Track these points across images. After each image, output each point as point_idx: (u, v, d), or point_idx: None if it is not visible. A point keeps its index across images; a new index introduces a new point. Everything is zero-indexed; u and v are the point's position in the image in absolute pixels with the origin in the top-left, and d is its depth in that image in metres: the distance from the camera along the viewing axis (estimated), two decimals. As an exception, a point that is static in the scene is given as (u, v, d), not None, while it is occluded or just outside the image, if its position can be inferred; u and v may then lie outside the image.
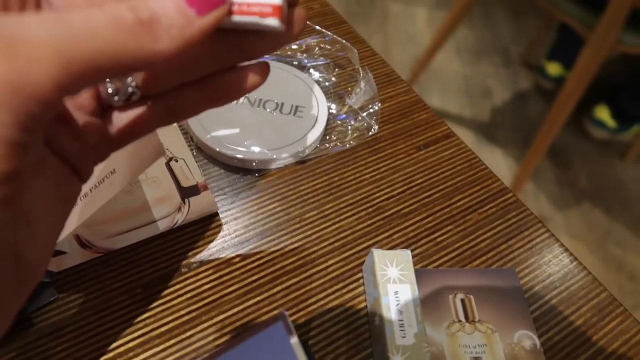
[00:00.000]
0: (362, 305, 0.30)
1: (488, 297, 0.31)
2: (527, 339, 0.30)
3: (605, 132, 1.57)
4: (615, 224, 1.45)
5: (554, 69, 1.65)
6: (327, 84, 0.39)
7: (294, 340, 0.25)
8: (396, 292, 0.28)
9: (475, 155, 0.38)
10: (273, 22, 0.13)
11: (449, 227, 0.34)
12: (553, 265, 0.34)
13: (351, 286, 0.31)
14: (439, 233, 0.34)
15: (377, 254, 0.29)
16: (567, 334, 0.31)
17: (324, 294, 0.30)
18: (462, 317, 0.30)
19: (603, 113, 1.56)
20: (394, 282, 0.29)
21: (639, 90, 1.46)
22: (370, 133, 0.37)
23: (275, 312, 0.28)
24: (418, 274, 0.31)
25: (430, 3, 2.01)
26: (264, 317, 0.28)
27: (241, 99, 0.36)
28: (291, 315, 0.29)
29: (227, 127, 0.35)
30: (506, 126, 1.64)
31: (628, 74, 1.49)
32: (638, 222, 1.46)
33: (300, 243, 0.32)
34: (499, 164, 1.53)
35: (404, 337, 0.27)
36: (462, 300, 0.31)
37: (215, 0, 0.13)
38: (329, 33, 0.41)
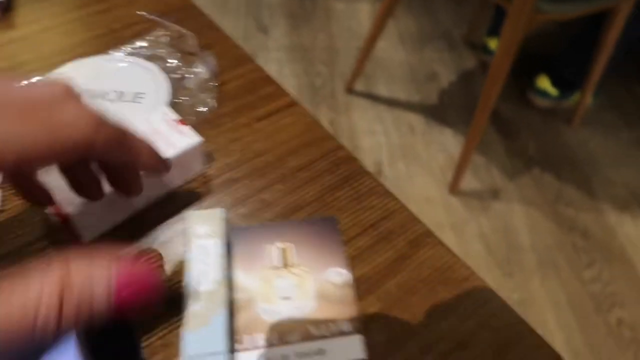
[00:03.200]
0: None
1: (306, 244, 0.34)
2: (337, 275, 0.33)
3: (549, 100, 1.61)
4: (566, 186, 1.49)
5: (494, 44, 1.69)
6: (168, 67, 0.42)
7: None
8: (202, 246, 0.30)
9: (314, 120, 0.42)
10: None
11: (277, 186, 0.37)
12: (375, 208, 0.37)
13: (175, 251, 0.33)
14: (267, 192, 0.37)
15: (189, 215, 0.32)
16: (382, 267, 0.34)
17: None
18: (278, 263, 0.33)
19: (544, 82, 1.60)
20: (201, 238, 0.31)
21: (576, 57, 1.51)
22: (207, 109, 0.40)
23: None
24: (238, 231, 0.34)
25: (371, -4, 2.05)
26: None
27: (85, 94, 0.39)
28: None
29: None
30: (454, 106, 1.68)
31: (565, 42, 1.53)
32: (587, 182, 1.50)
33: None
34: (450, 143, 1.56)
35: (203, 285, 0.29)
36: (281, 249, 0.33)
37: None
38: (173, 24, 0.45)
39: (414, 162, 1.51)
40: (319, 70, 1.75)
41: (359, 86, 1.70)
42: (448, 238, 1.36)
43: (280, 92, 0.43)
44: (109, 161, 0.25)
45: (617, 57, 1.42)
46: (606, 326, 1.25)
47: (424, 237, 0.35)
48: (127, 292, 0.18)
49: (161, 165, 0.27)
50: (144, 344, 0.29)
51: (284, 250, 0.33)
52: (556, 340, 1.22)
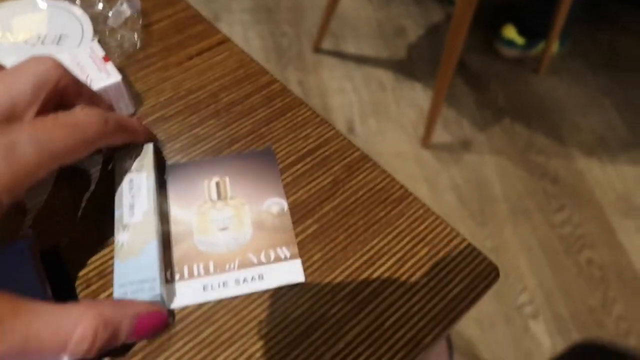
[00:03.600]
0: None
1: (243, 176, 0.33)
2: (275, 205, 0.32)
3: (515, 50, 1.61)
4: (535, 135, 1.50)
5: (459, -4, 1.67)
6: (90, 9, 0.40)
7: (35, 254, 0.27)
8: (131, 180, 0.30)
9: (248, 56, 0.40)
10: None
11: (211, 121, 0.36)
12: (311, 137, 0.36)
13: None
14: (200, 127, 0.36)
15: (118, 152, 0.31)
16: (317, 191, 0.33)
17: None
18: (214, 197, 0.32)
19: (511, 32, 1.59)
20: (130, 172, 0.30)
21: (541, 5, 1.50)
22: (133, 49, 0.39)
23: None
24: (174, 168, 0.33)
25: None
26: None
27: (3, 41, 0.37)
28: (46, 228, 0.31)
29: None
30: (423, 60, 1.67)
31: (529, -10, 1.52)
32: (556, 129, 1.52)
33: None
34: (420, 97, 1.56)
35: (132, 216, 0.28)
36: (217, 183, 0.33)
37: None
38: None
39: (385, 118, 1.50)
40: (285, 31, 1.71)
41: (327, 45, 1.67)
42: (421, 191, 1.37)
43: (211, 30, 0.42)
44: (112, 144, 0.28)
45: (581, 3, 1.42)
46: (576, 267, 1.28)
47: (360, 162, 0.35)
48: (142, 330, 0.25)
49: (151, 135, 0.32)
50: (79, 275, 0.29)
51: (218, 184, 0.33)
52: (529, 283, 1.26)
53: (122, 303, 0.24)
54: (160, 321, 0.26)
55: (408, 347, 0.27)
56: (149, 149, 0.31)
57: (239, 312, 0.28)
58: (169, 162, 0.34)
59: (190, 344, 0.27)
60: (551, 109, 1.56)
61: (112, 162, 0.32)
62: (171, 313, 0.28)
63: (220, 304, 0.28)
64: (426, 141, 1.44)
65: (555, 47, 1.54)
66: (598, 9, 1.75)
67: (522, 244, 1.31)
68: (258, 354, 0.27)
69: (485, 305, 1.23)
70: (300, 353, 0.27)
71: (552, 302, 1.23)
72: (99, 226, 0.31)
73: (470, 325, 1.19)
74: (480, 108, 1.55)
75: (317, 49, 1.63)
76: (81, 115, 0.25)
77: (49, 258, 0.29)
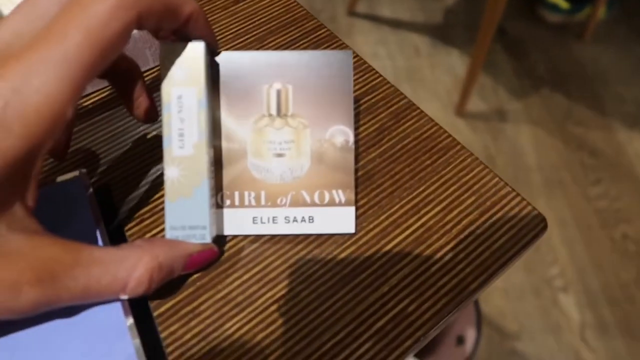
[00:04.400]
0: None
1: (310, 87, 0.28)
2: (340, 134, 0.28)
3: (559, 15, 1.54)
4: (575, 105, 1.45)
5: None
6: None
7: (89, 194, 0.27)
8: (179, 97, 0.24)
9: (294, 0, 0.40)
10: None
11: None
12: (358, 83, 0.35)
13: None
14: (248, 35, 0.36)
15: (165, 47, 0.24)
16: (363, 137, 0.33)
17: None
18: (274, 110, 0.28)
19: (555, -5, 1.52)
20: (178, 85, 0.24)
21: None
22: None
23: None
24: (227, 63, 0.27)
25: None
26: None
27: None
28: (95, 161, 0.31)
29: None
30: (460, 25, 1.62)
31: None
32: (597, 100, 1.46)
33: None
34: (456, 64, 1.52)
35: (181, 147, 0.25)
36: (278, 91, 0.28)
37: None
38: None
39: (419, 85, 1.47)
40: (319, -7, 1.68)
41: (361, 8, 1.63)
42: (453, 159, 1.35)
43: (258, -26, 0.41)
44: (191, 33, 0.24)
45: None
46: (611, 241, 1.25)
47: (407, 109, 0.34)
48: (194, 266, 0.26)
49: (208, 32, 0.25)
50: (130, 211, 0.29)
51: (280, 93, 0.27)
52: (560, 256, 1.24)
53: (175, 244, 0.25)
54: (211, 257, 0.27)
55: (453, 293, 0.27)
56: (200, 50, 0.24)
57: (287, 252, 0.28)
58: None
59: (239, 281, 0.27)
60: (594, 78, 1.50)
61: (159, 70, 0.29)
62: (221, 240, 0.28)
63: (269, 241, 0.29)
64: (461, 109, 1.41)
65: (601, 12, 1.47)
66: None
67: (555, 215, 1.28)
68: (303, 293, 0.27)
69: (514, 275, 1.22)
70: (345, 294, 0.27)
71: (584, 276, 1.21)
72: (150, 158, 0.31)
73: (498, 295, 1.18)
74: (519, 76, 1.50)
75: (351, 12, 1.60)
76: None
77: (100, 196, 0.30)
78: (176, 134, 0.25)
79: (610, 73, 1.52)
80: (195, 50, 0.24)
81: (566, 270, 1.23)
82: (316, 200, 0.29)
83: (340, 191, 0.29)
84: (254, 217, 0.28)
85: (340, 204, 0.29)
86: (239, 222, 0.28)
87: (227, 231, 0.28)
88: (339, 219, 0.29)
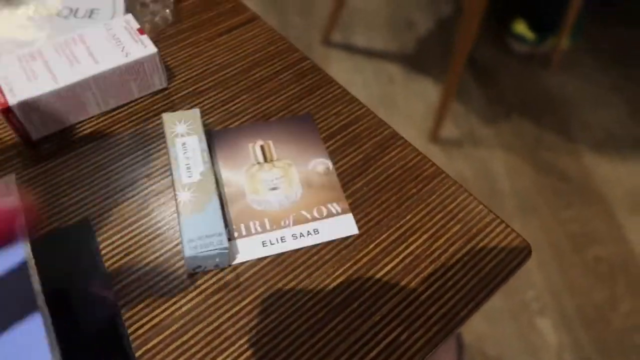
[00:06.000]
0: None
1: (286, 139, 0.34)
2: (321, 164, 0.33)
3: (526, 45, 1.61)
4: (544, 131, 1.50)
5: (471, -9, 1.66)
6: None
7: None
8: (184, 144, 0.31)
9: (277, 33, 0.40)
10: None
11: (243, 96, 0.36)
12: (342, 114, 0.36)
13: (154, 154, 0.33)
14: (233, 103, 0.36)
15: (166, 116, 0.32)
16: (349, 167, 0.33)
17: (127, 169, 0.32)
18: (260, 159, 0.33)
19: (521, 27, 1.59)
20: (181, 136, 0.31)
21: (551, 1, 1.49)
22: (164, 24, 0.39)
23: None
24: (215, 134, 0.34)
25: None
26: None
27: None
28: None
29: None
30: (433, 54, 1.66)
31: (541, -16, 1.51)
32: (565, 125, 1.52)
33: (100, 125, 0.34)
34: (429, 91, 1.56)
35: (190, 176, 0.29)
36: (262, 146, 0.33)
37: None
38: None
39: (394, 112, 1.50)
40: (294, 22, 1.71)
41: (336, 37, 1.67)
42: (429, 185, 1.36)
43: (241, 7, 0.42)
44: None
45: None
46: (583, 264, 1.28)
47: (391, 139, 0.35)
48: None
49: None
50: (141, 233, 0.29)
51: (263, 147, 0.33)
52: (536, 279, 1.26)
53: None
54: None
55: (443, 322, 0.28)
56: (196, 114, 0.32)
57: (276, 283, 0.28)
58: (210, 129, 0.34)
59: (229, 314, 0.27)
60: (561, 105, 1.56)
61: (162, 127, 0.33)
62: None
63: (259, 270, 0.29)
64: (435, 136, 1.44)
65: (565, 42, 1.53)
66: (610, 4, 1.74)
67: (530, 240, 1.31)
68: (295, 325, 0.27)
69: (492, 300, 1.23)
70: (337, 324, 0.27)
71: (559, 299, 1.23)
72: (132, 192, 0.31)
73: (477, 320, 1.19)
74: (490, 103, 1.55)
75: (326, 41, 1.63)
76: None
77: (81, 232, 0.29)
78: (184, 167, 0.29)
79: (576, 100, 1.58)
80: (194, 113, 0.32)
81: (542, 294, 1.25)
82: (315, 215, 0.31)
83: (334, 204, 0.31)
84: (262, 242, 0.30)
85: (338, 214, 0.31)
86: (250, 248, 0.29)
87: (241, 258, 0.29)
88: (341, 226, 0.31)
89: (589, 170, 1.43)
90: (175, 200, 0.29)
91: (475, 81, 1.60)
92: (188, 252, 0.26)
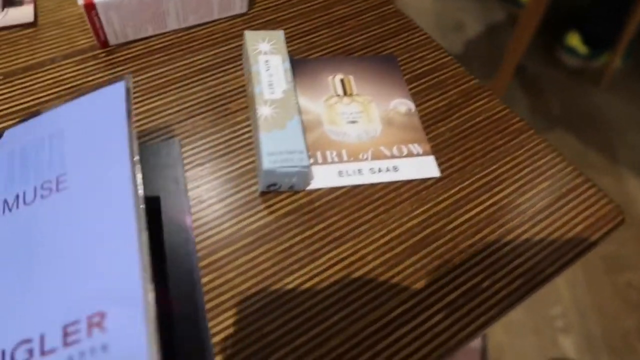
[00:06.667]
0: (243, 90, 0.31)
1: (367, 76, 0.32)
2: (402, 105, 0.31)
3: (578, 59, 1.56)
4: (587, 148, 1.45)
5: (526, -3, 1.63)
6: None
7: (127, 107, 0.24)
8: (267, 61, 0.29)
9: (363, -24, 0.39)
10: None
11: (324, 31, 0.35)
12: (426, 60, 0.34)
13: (231, 75, 0.31)
14: (313, 34, 0.34)
15: (249, 34, 0.30)
16: (432, 111, 0.31)
17: (203, 86, 0.31)
18: (340, 92, 0.31)
19: (574, 40, 1.55)
20: (264, 54, 0.29)
21: (608, 15, 1.45)
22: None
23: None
24: (295, 62, 0.32)
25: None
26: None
27: None
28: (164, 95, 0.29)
29: None
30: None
31: (599, -1, 1.47)
32: (609, 146, 1.47)
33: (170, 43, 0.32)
34: (472, 96, 1.52)
35: (272, 92, 0.28)
36: (342, 80, 0.32)
37: None
38: None
39: (434, 111, 1.47)
40: (343, 12, 1.69)
41: (383, 31, 1.65)
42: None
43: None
44: None
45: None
46: (614, 287, 1.24)
47: (477, 89, 0.33)
48: None
49: None
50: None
51: (343, 81, 0.32)
52: (563, 296, 1.22)
53: None
54: None
55: (527, 276, 0.25)
56: (280, 34, 0.31)
57: (352, 213, 0.27)
58: (292, 57, 0.33)
59: (301, 236, 0.25)
60: (607, 124, 1.51)
61: (240, 49, 0.32)
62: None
63: (334, 199, 0.27)
64: (474, 139, 1.40)
65: (618, 60, 1.49)
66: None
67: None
68: (369, 257, 0.25)
69: (515, 311, 1.19)
70: (414, 263, 0.25)
71: (585, 319, 1.18)
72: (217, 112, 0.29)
73: (498, 331, 1.15)
74: (534, 114, 1.51)
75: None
76: None
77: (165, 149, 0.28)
78: (266, 84, 0.28)
79: (622, 121, 1.53)
80: (278, 34, 0.31)
81: (568, 312, 1.21)
82: (395, 152, 0.29)
83: (416, 144, 0.30)
84: (339, 171, 0.28)
85: (419, 155, 0.29)
86: (325, 176, 0.28)
87: (316, 185, 0.27)
88: (422, 167, 0.29)
89: (631, 193, 1.38)
90: (255, 115, 0.27)
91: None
92: (267, 165, 0.25)
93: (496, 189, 0.28)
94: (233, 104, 0.30)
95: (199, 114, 0.30)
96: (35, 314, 0.18)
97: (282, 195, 0.27)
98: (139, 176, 0.20)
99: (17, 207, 0.21)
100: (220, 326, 0.22)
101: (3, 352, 0.17)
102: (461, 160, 0.29)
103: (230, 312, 0.23)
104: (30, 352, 0.17)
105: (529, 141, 0.31)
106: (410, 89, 0.32)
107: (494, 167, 0.29)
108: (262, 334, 0.22)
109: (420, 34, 0.35)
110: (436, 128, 0.31)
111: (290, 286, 0.24)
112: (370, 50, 0.34)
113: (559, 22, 1.65)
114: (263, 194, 0.27)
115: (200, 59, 0.32)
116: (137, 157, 0.20)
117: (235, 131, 0.29)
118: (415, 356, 0.22)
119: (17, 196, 0.22)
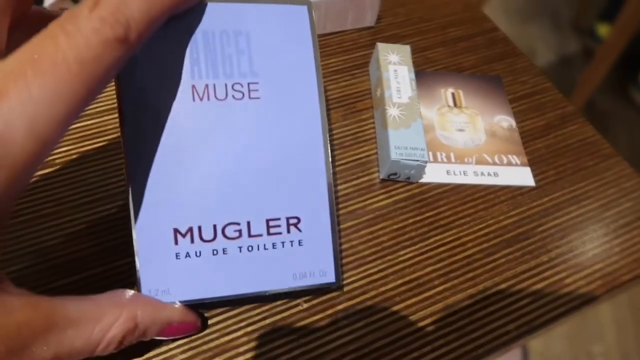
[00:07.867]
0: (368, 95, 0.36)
1: (475, 93, 0.37)
2: (504, 121, 0.36)
3: (651, 98, 1.54)
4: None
5: (604, 29, 1.62)
6: None
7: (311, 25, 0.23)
8: (395, 70, 0.34)
9: (473, 1, 0.43)
10: None
11: (439, 49, 0.40)
12: (528, 84, 0.38)
13: (358, 79, 0.37)
14: (430, 51, 0.39)
15: (381, 45, 0.36)
16: (531, 129, 0.36)
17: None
18: (451, 103, 0.36)
19: (650, 79, 1.53)
20: (393, 64, 0.34)
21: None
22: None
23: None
24: (416, 74, 0.37)
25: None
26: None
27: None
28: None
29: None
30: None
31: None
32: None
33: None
34: (537, 123, 1.53)
35: (399, 97, 0.33)
36: (453, 93, 0.37)
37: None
38: None
39: (496, 134, 1.49)
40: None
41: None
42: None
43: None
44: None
45: None
46: (663, 332, 1.21)
47: (573, 115, 0.37)
48: (171, 334, 0.23)
49: None
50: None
51: (454, 94, 0.37)
52: (608, 334, 1.21)
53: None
54: (190, 329, 0.24)
55: (606, 279, 0.29)
56: (407, 49, 0.36)
57: (457, 207, 0.31)
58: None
59: (412, 220, 0.30)
60: (674, 167, 1.48)
61: (367, 58, 0.38)
62: (204, 318, 0.25)
63: (443, 193, 0.32)
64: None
65: (694, 105, 1.46)
66: None
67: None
68: (469, 244, 0.30)
69: (556, 343, 1.19)
70: (507, 254, 0.30)
71: (628, 360, 1.17)
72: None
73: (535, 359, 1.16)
74: (598, 148, 1.50)
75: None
76: None
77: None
78: (395, 89, 0.33)
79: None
80: (405, 48, 0.36)
81: (611, 351, 1.19)
82: (496, 161, 0.34)
83: (514, 156, 0.34)
84: (447, 170, 0.33)
85: (517, 165, 0.34)
86: (436, 173, 0.33)
87: (427, 179, 0.32)
88: (519, 175, 0.33)
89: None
90: (384, 114, 0.32)
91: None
92: (393, 156, 0.30)
93: (583, 203, 0.32)
94: (359, 104, 0.35)
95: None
96: (241, 205, 0.22)
97: (398, 184, 0.32)
98: (324, 108, 0.24)
99: (208, 99, 0.22)
100: (344, 281, 0.27)
101: (215, 227, 0.22)
102: (554, 174, 0.33)
103: (352, 272, 0.28)
104: (240, 232, 0.23)
105: (616, 165, 0.35)
106: (513, 108, 0.37)
107: (583, 183, 0.33)
108: (379, 292, 0.27)
109: (525, 60, 0.40)
110: (534, 144, 0.35)
111: (403, 258, 0.29)
112: (479, 69, 0.39)
113: (634, 59, 1.63)
114: (383, 180, 0.32)
115: (333, 62, 0.38)
116: (323, 89, 0.24)
117: (360, 126, 0.34)
118: (502, 329, 0.27)
119: (207, 87, 0.22)
